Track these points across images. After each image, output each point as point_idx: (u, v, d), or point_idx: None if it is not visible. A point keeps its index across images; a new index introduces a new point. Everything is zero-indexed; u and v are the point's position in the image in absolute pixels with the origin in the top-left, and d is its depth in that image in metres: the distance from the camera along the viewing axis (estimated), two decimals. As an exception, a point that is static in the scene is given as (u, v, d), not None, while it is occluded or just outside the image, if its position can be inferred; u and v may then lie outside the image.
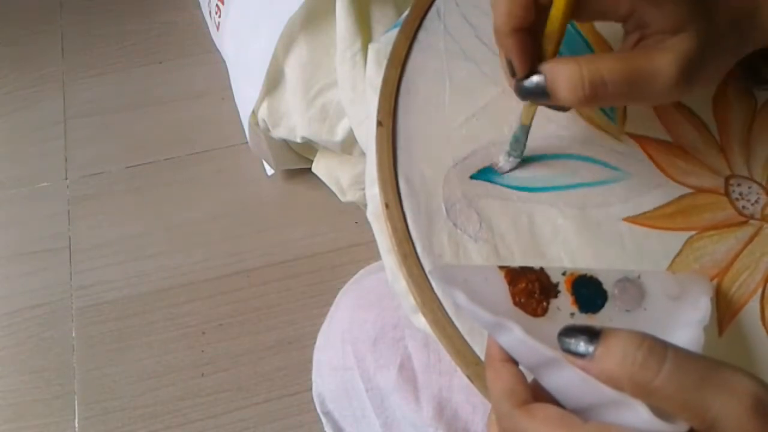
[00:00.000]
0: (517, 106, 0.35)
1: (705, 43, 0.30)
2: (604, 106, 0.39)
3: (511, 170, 0.37)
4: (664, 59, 0.29)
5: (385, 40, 0.43)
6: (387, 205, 0.36)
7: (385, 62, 0.40)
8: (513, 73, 0.32)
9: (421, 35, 0.41)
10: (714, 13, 0.30)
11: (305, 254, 0.98)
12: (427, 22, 0.41)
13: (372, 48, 0.43)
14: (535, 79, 0.31)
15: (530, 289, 0.31)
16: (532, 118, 0.35)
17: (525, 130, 0.35)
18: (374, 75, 0.42)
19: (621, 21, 0.32)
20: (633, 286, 0.32)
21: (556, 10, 0.30)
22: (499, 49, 0.33)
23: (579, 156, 0.37)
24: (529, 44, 0.31)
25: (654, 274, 0.33)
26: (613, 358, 0.23)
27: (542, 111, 0.35)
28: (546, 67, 0.31)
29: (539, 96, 0.32)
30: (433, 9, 0.42)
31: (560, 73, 0.30)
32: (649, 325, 0.30)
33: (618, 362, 0.23)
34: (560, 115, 0.35)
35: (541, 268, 0.31)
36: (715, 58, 0.31)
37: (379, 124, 0.38)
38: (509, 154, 0.36)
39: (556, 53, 0.32)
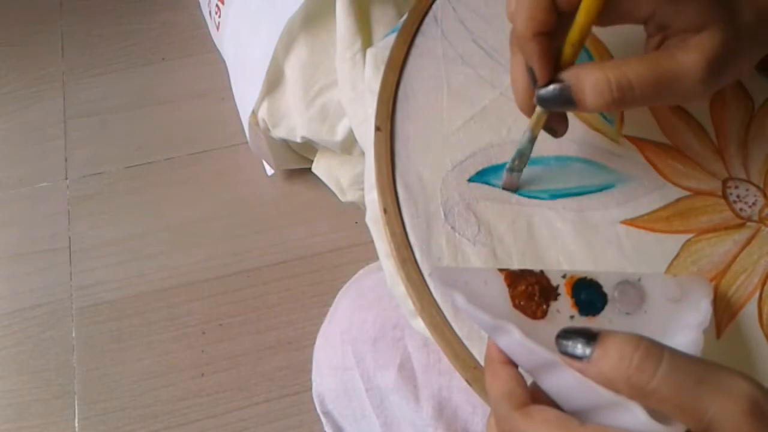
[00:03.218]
0: (515, 110, 0.35)
1: (729, 39, 0.29)
2: (630, 108, 0.38)
3: (519, 187, 0.36)
4: (689, 58, 0.29)
5: (382, 44, 0.43)
6: (385, 210, 0.36)
7: (383, 67, 0.40)
8: (534, 81, 0.32)
9: (419, 40, 0.41)
10: (737, 8, 0.30)
11: (305, 254, 0.98)
12: (424, 27, 0.42)
13: (370, 53, 0.44)
14: (557, 86, 0.31)
15: (530, 291, 0.31)
16: (540, 128, 0.34)
17: (532, 141, 0.35)
18: (372, 79, 0.42)
19: (642, 23, 0.32)
20: (633, 289, 0.32)
21: (584, 16, 0.29)
22: (513, 53, 0.33)
23: (577, 159, 0.38)
24: (550, 51, 0.31)
25: (654, 277, 0.33)
26: (609, 360, 0.24)
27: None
28: (569, 74, 0.31)
29: (559, 103, 0.31)
30: (431, 14, 0.42)
31: (586, 80, 0.30)
32: (649, 328, 0.30)
33: (614, 364, 0.23)
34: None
35: (541, 271, 0.32)
36: (741, 52, 0.31)
37: (377, 129, 0.39)
38: (512, 170, 0.36)
39: (575, 61, 0.31)
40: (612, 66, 0.29)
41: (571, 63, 0.31)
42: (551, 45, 0.31)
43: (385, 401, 0.47)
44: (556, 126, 0.35)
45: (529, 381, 0.28)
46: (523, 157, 0.35)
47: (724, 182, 0.37)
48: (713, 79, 0.30)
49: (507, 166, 0.36)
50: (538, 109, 0.33)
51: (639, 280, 0.32)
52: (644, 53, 0.33)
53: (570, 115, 0.38)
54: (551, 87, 0.31)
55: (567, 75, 0.31)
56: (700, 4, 0.29)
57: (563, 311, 0.31)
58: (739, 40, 0.30)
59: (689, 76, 0.29)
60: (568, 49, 0.31)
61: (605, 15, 0.30)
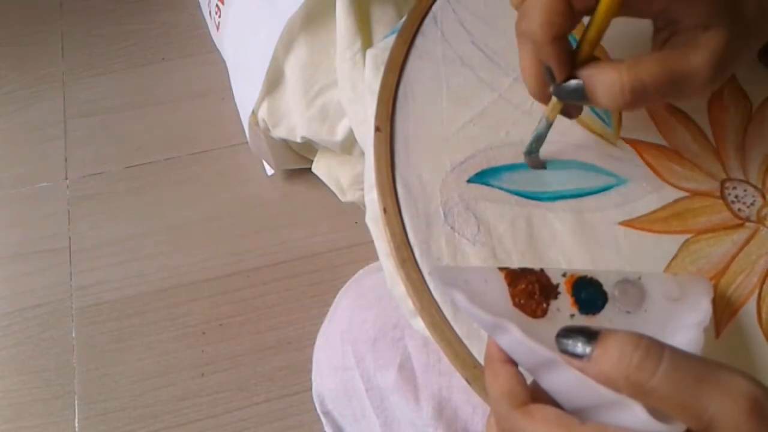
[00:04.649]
0: (514, 113, 0.35)
1: (734, 36, 0.30)
2: (640, 108, 0.39)
3: (536, 166, 0.37)
4: (699, 58, 0.30)
5: (382, 45, 0.43)
6: (385, 210, 0.37)
7: (382, 67, 0.41)
8: (552, 78, 0.32)
9: (419, 41, 0.41)
10: (742, 7, 0.30)
11: (305, 254, 0.98)
12: (424, 28, 0.42)
13: (370, 54, 0.44)
14: (575, 83, 0.31)
15: (530, 290, 0.31)
16: (556, 115, 0.35)
17: (549, 126, 0.36)
18: (372, 80, 0.42)
19: (653, 18, 0.32)
20: (633, 288, 0.32)
21: (603, 14, 0.30)
22: (522, 48, 0.33)
23: (576, 161, 0.38)
24: (567, 50, 0.31)
25: (654, 276, 0.33)
26: (609, 359, 0.24)
27: (539, 116, 0.36)
28: (585, 73, 0.31)
29: (576, 99, 0.32)
30: (430, 15, 0.42)
31: (600, 80, 0.30)
32: (649, 327, 0.30)
33: (614, 363, 0.23)
34: (556, 120, 0.36)
35: (541, 270, 0.32)
36: (743, 50, 0.31)
37: (377, 129, 0.39)
38: (530, 152, 0.37)
39: (591, 55, 0.32)
40: (627, 67, 0.30)
41: (587, 59, 0.32)
42: (567, 44, 0.31)
43: (385, 401, 0.47)
44: (570, 111, 0.36)
45: (529, 380, 0.28)
46: (540, 140, 0.36)
47: (723, 183, 0.37)
48: (719, 76, 0.30)
49: (525, 150, 0.37)
50: (554, 98, 0.34)
51: (639, 279, 0.32)
52: (652, 48, 0.33)
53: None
54: (570, 84, 0.32)
55: (583, 74, 0.31)
56: (709, 2, 0.30)
57: (563, 310, 0.31)
58: (743, 36, 0.30)
59: (699, 75, 0.30)
60: (585, 47, 0.31)
61: (621, 10, 0.31)
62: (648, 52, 0.31)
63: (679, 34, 0.31)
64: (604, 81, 0.30)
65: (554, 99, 0.34)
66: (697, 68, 0.30)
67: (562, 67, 0.31)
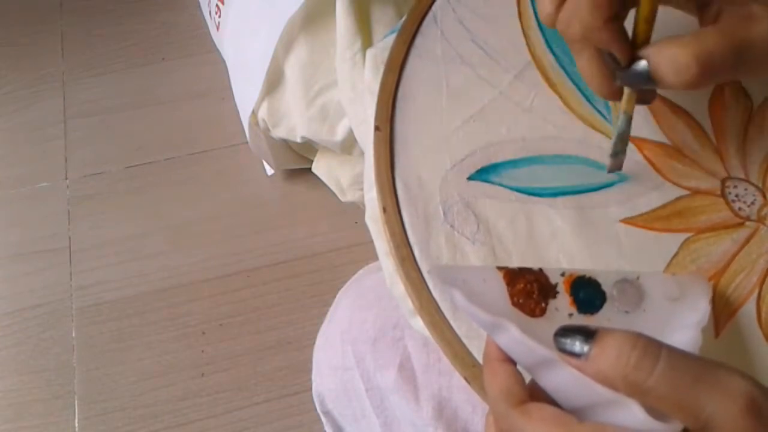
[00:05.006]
0: (514, 110, 0.35)
1: None
2: (708, 85, 0.38)
3: (617, 168, 0.36)
4: (761, 26, 0.29)
5: (382, 45, 0.43)
6: (384, 209, 0.36)
7: (382, 67, 0.41)
8: (616, 63, 0.31)
9: (418, 40, 0.41)
10: None
11: (305, 254, 0.98)
12: (424, 27, 0.42)
13: (369, 53, 0.44)
14: (641, 64, 0.30)
15: (529, 289, 0.31)
16: (634, 106, 0.34)
17: (629, 121, 0.34)
18: (372, 80, 0.42)
19: None
20: (632, 288, 0.32)
21: None
22: (579, 56, 0.32)
23: (576, 158, 0.38)
24: (624, 31, 0.30)
25: (653, 276, 0.33)
26: (607, 358, 0.24)
27: (539, 113, 0.36)
28: (648, 51, 0.30)
29: (645, 81, 0.31)
30: (430, 14, 0.42)
31: (665, 56, 0.29)
32: (647, 327, 0.30)
33: (612, 362, 0.23)
34: (557, 117, 0.36)
35: (540, 269, 0.32)
36: None
37: (377, 128, 0.39)
38: (616, 154, 0.35)
39: (650, 35, 0.31)
40: (692, 41, 0.29)
41: (647, 39, 0.31)
42: (622, 27, 0.30)
43: (385, 401, 0.47)
44: (646, 97, 0.34)
45: (527, 379, 0.28)
46: (624, 138, 0.35)
47: (723, 181, 0.37)
48: None
49: (610, 152, 0.35)
50: (627, 89, 0.33)
51: (638, 278, 0.32)
52: (701, 26, 0.32)
53: (569, 114, 0.38)
54: (638, 65, 0.30)
55: (648, 52, 0.30)
56: None
57: (562, 309, 0.31)
58: None
59: (764, 44, 0.29)
60: (642, 26, 0.30)
61: None
62: None
63: (728, 9, 0.30)
64: (669, 56, 0.29)
65: (627, 90, 0.33)
66: (762, 37, 0.29)
67: (624, 49, 0.31)
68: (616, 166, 0.36)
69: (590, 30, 0.30)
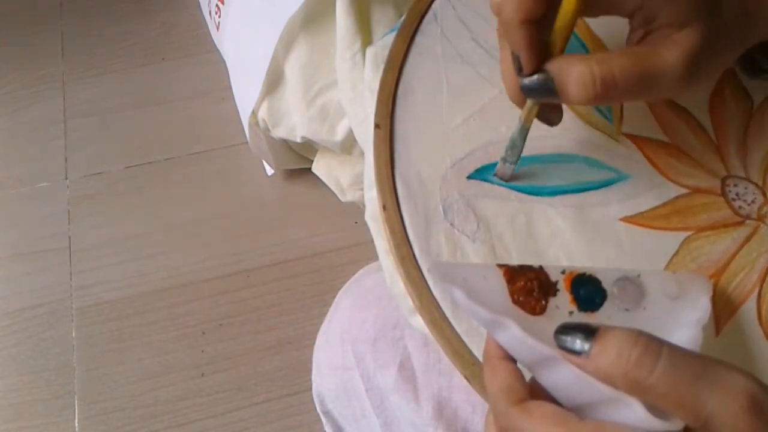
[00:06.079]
0: (514, 109, 0.35)
1: (711, 37, 0.29)
2: (609, 104, 0.38)
3: (511, 178, 0.37)
4: (672, 54, 0.29)
5: (382, 43, 0.43)
6: (384, 207, 0.36)
7: (382, 65, 0.41)
8: (519, 69, 0.31)
9: (418, 39, 0.41)
10: (721, 7, 0.30)
11: (305, 254, 0.98)
12: (424, 26, 0.42)
13: (369, 52, 0.44)
14: (541, 76, 0.31)
15: (529, 287, 0.31)
16: (532, 120, 0.34)
17: (524, 133, 0.35)
18: (372, 78, 0.42)
19: (628, 16, 0.32)
20: (632, 286, 0.32)
21: (568, 4, 0.29)
22: (502, 46, 0.32)
23: (576, 157, 0.38)
24: (538, 39, 0.30)
25: (654, 274, 0.33)
26: (608, 355, 0.23)
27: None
28: (554, 65, 0.30)
29: (544, 94, 0.31)
30: (430, 13, 0.42)
31: (570, 72, 0.30)
32: (648, 325, 0.30)
33: (613, 360, 0.23)
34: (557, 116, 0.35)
35: (540, 267, 0.32)
36: (720, 51, 0.31)
37: (377, 126, 0.39)
38: (505, 160, 0.36)
39: (564, 51, 0.31)
40: (597, 60, 0.29)
41: (559, 53, 0.31)
42: (538, 34, 0.30)
43: (385, 401, 0.47)
44: (550, 116, 0.35)
45: (527, 377, 0.28)
46: (514, 148, 0.35)
47: (723, 180, 0.37)
48: (693, 75, 0.30)
49: (501, 155, 0.36)
50: (529, 101, 0.33)
51: (638, 276, 0.32)
52: (626, 46, 0.32)
53: (569, 112, 0.38)
54: (535, 77, 0.31)
55: (552, 66, 0.30)
56: (686, 0, 0.29)
57: (562, 307, 0.31)
58: (720, 36, 0.30)
59: (671, 72, 0.29)
60: (555, 37, 0.30)
61: (593, 5, 0.30)
62: None
63: (653, 33, 0.31)
64: (574, 73, 0.29)
65: (529, 102, 0.33)
66: (670, 65, 0.29)
67: (530, 57, 0.31)
68: (503, 173, 0.36)
69: (506, 25, 0.30)
